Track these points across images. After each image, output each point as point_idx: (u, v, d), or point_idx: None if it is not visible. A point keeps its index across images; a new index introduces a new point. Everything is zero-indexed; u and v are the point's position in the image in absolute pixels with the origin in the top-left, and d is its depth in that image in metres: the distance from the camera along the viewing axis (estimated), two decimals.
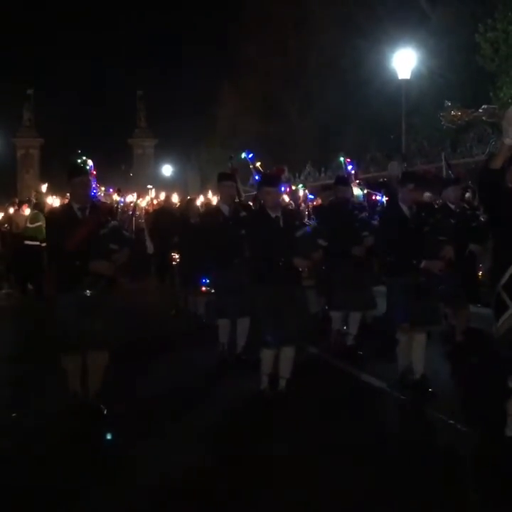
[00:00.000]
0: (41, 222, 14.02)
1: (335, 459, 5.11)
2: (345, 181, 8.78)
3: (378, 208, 9.08)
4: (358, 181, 9.35)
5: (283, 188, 7.81)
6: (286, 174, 8.94)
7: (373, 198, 9.27)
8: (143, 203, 19.01)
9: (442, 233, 6.71)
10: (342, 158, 9.90)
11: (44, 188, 18.55)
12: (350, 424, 5.84)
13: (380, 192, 9.50)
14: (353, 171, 9.60)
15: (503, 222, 4.99)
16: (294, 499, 4.47)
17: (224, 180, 8.18)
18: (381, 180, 12.37)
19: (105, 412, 6.05)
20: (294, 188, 10.66)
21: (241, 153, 8.72)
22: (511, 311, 4.81)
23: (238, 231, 7.26)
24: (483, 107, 4.89)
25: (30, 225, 14.47)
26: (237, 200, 8.31)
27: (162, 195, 20.66)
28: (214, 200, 19.05)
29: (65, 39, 36.67)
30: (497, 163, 4.73)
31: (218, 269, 8.10)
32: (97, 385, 6.15)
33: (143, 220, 15.90)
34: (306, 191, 12.76)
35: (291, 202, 8.74)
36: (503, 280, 4.84)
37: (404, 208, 6.65)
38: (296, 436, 5.57)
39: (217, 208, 8.52)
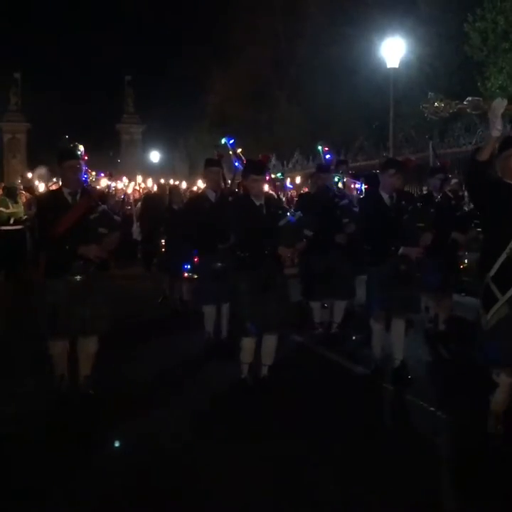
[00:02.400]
0: (2, 208, 13.92)
1: (317, 442, 5.18)
2: (325, 169, 8.80)
3: (357, 196, 9.03)
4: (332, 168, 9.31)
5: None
6: (272, 161, 8.90)
7: (352, 186, 9.21)
8: (129, 189, 18.97)
9: (421, 220, 6.73)
10: (320, 147, 9.80)
11: (30, 174, 18.50)
12: (332, 410, 5.88)
13: (358, 180, 9.44)
14: (330, 160, 9.53)
15: (490, 213, 5.00)
16: (280, 481, 4.54)
17: (210, 166, 8.16)
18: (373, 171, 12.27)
19: (92, 394, 6.08)
20: (273, 176, 10.60)
21: (221, 139, 8.60)
22: (501, 303, 4.82)
23: (223, 217, 7.25)
24: (468, 98, 4.88)
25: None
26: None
27: (149, 182, 20.62)
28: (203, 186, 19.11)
29: (52, 23, 36.42)
30: (484, 155, 4.76)
31: (203, 255, 8.09)
32: (87, 371, 6.16)
33: (130, 207, 15.88)
34: (286, 181, 12.76)
35: (271, 191, 8.69)
36: (492, 271, 4.85)
37: (385, 196, 6.64)
38: (280, 421, 5.62)
39: (203, 193, 8.52)
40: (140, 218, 14.49)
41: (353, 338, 8.33)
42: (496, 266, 4.83)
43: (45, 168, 16.60)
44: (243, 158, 8.03)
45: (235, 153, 8.21)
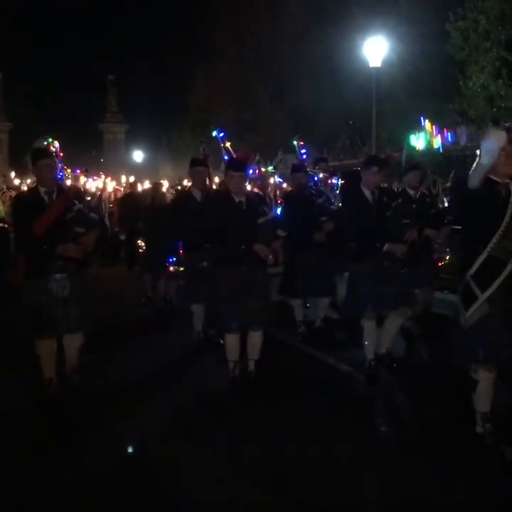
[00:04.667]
0: None
1: (303, 436, 5.24)
2: (299, 169, 8.77)
3: (334, 192, 9.02)
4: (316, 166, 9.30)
5: (252, 171, 7.76)
6: (257, 158, 8.87)
7: (329, 181, 9.18)
8: (108, 187, 18.82)
9: (405, 217, 6.75)
10: (295, 142, 9.74)
11: (12, 174, 18.41)
12: (319, 407, 5.92)
13: (335, 175, 9.40)
14: (305, 156, 9.48)
15: (472, 212, 4.98)
16: (268, 479, 4.58)
17: (196, 166, 8.16)
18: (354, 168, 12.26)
19: (79, 386, 6.14)
20: (263, 170, 10.55)
21: (213, 130, 8.55)
22: (480, 302, 4.83)
23: (208, 216, 7.21)
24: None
25: None
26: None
27: (131, 180, 20.47)
28: (186, 186, 19.02)
29: (34, 22, 36.20)
30: (475, 182, 4.77)
31: (189, 254, 8.08)
32: (73, 362, 6.22)
33: (111, 205, 15.80)
34: (276, 177, 12.69)
35: (258, 190, 8.69)
36: (473, 270, 4.87)
37: (367, 193, 6.63)
38: (267, 417, 5.66)
39: (189, 192, 8.51)
40: (120, 218, 14.44)
41: (338, 335, 8.34)
42: (477, 264, 4.85)
43: None
44: (232, 152, 8.02)
45: (224, 146, 8.18)
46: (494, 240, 4.77)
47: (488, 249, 4.80)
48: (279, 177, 12.91)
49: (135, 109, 39.35)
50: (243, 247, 6.16)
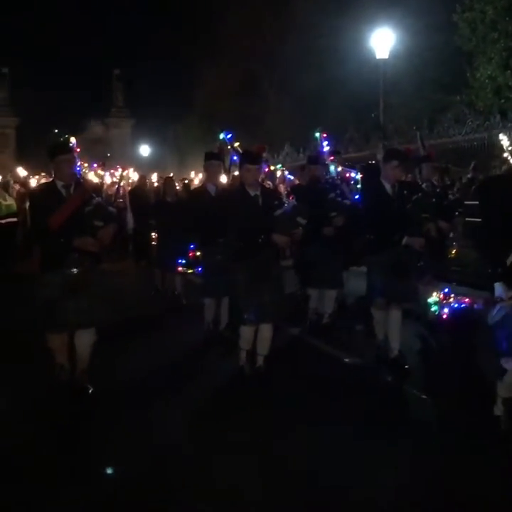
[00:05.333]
0: (0, 199, 13.98)
1: (312, 430, 5.23)
2: (315, 161, 8.78)
3: (352, 186, 9.00)
4: (331, 158, 9.26)
5: (264, 170, 7.74)
6: (265, 154, 8.81)
7: (347, 175, 9.16)
8: (122, 180, 18.81)
9: (425, 211, 6.74)
10: (318, 134, 9.73)
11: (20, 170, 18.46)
12: (327, 399, 5.92)
13: (354, 169, 9.40)
14: (328, 147, 9.46)
15: (500, 211, 4.96)
16: (278, 469, 4.58)
17: (211, 160, 8.15)
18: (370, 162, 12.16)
19: (90, 391, 6.06)
20: (272, 168, 10.53)
21: (219, 133, 8.53)
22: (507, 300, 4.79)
23: (223, 210, 7.20)
24: None
25: None
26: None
27: (134, 175, 20.40)
28: (195, 179, 19.01)
29: (40, 17, 36.13)
30: None
31: (203, 248, 8.11)
32: (84, 364, 6.16)
33: (122, 199, 15.80)
34: (285, 171, 12.65)
35: (269, 182, 8.65)
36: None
37: (387, 186, 6.63)
38: (277, 411, 5.67)
39: (203, 187, 8.49)
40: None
41: (357, 328, 8.31)
42: (508, 262, 4.79)
43: None
44: (241, 151, 7.99)
45: (232, 147, 8.15)
46: None
47: None
48: (290, 173, 12.87)
49: (141, 103, 39.26)
50: (261, 238, 6.17)
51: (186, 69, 34.35)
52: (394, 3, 22.50)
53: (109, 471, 4.70)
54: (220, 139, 8.51)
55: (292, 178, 12.77)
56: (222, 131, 8.37)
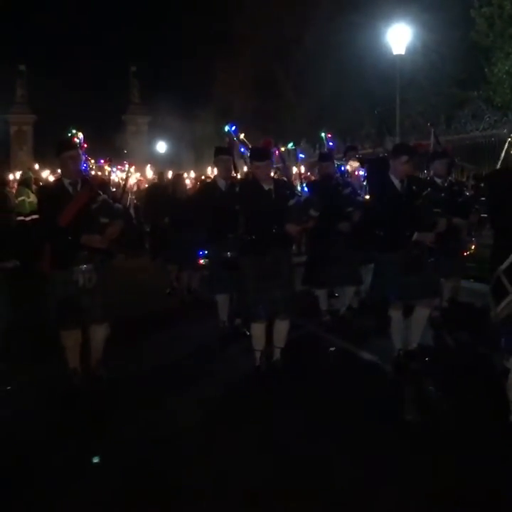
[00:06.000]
0: (24, 197, 14.13)
1: (328, 429, 5.23)
2: (327, 157, 8.78)
3: (360, 183, 8.95)
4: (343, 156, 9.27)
5: (275, 152, 7.67)
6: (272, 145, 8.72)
7: (356, 173, 9.13)
8: (131, 178, 18.80)
9: (435, 206, 6.69)
10: (323, 134, 9.72)
11: (36, 166, 18.59)
12: (343, 397, 5.91)
13: (362, 167, 9.34)
14: (333, 147, 9.47)
15: (506, 206, 4.90)
16: (292, 468, 4.57)
17: (221, 155, 8.15)
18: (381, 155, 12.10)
19: (105, 378, 6.17)
20: (283, 149, 10.40)
21: (224, 126, 8.44)
22: (511, 298, 4.76)
23: (234, 206, 7.11)
24: None
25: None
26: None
27: (149, 173, 20.40)
28: (211, 175, 19.01)
29: (57, 14, 36.27)
30: None
31: (214, 244, 8.09)
32: (98, 355, 6.26)
33: (133, 197, 15.81)
34: (298, 152, 12.51)
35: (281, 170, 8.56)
36: (505, 265, 4.79)
37: (396, 182, 6.56)
38: (291, 408, 5.68)
39: (213, 182, 8.50)
40: (145, 209, 14.43)
41: (363, 325, 8.31)
42: (510, 260, 4.78)
43: None
44: (247, 143, 7.96)
45: (238, 139, 8.13)
46: None
47: None
48: (300, 152, 12.74)
49: (158, 100, 39.31)
50: (275, 229, 6.17)
51: (203, 65, 34.33)
52: None
53: (120, 463, 4.72)
54: (225, 132, 8.48)
55: (304, 156, 12.73)
56: (227, 124, 8.34)
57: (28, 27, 35.02)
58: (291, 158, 11.56)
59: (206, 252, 9.36)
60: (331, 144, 9.49)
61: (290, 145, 10.38)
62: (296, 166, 9.91)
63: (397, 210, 6.39)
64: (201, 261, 9.89)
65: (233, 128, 8.16)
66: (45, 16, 35.58)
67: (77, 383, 6.18)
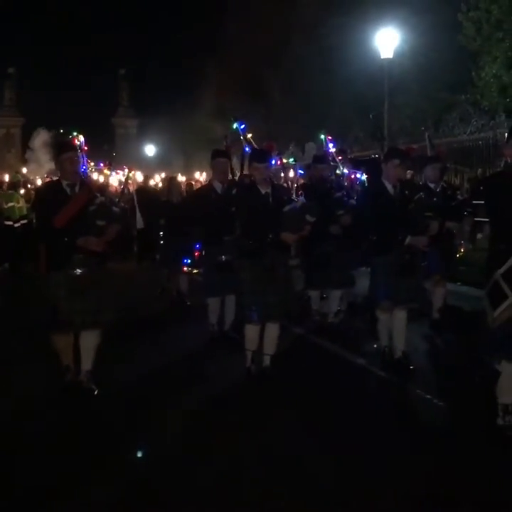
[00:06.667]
0: (14, 203, 14.15)
1: (318, 432, 5.26)
2: (321, 160, 8.79)
3: (357, 187, 9.02)
4: (339, 158, 9.29)
5: (274, 161, 7.66)
6: (276, 151, 8.71)
7: (353, 176, 9.19)
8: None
9: (427, 210, 6.74)
10: (323, 136, 9.74)
11: (25, 169, 18.57)
12: (334, 401, 5.94)
13: (359, 170, 9.42)
14: (333, 149, 9.47)
15: (503, 210, 4.89)
16: (283, 472, 4.58)
17: (218, 157, 8.12)
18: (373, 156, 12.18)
19: (96, 392, 6.11)
20: (285, 161, 10.41)
21: (232, 123, 8.33)
22: (510, 301, 4.75)
23: (230, 208, 7.03)
24: None
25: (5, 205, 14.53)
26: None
27: (139, 176, 20.38)
28: (200, 179, 19.02)
29: (45, 18, 36.23)
30: None
31: (208, 246, 8.08)
32: (88, 365, 6.17)
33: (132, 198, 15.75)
34: (297, 168, 12.56)
35: (281, 178, 8.60)
36: (503, 269, 4.78)
37: (388, 186, 6.60)
38: (282, 411, 5.69)
39: (210, 185, 8.48)
40: (132, 212, 14.38)
41: (363, 328, 8.32)
42: (508, 264, 4.77)
43: None
44: (253, 143, 7.91)
45: (245, 138, 8.07)
46: None
47: None
48: (300, 168, 12.81)
49: (147, 103, 39.42)
50: (270, 236, 6.20)
51: (192, 68, 34.40)
52: (398, 2, 22.46)
53: (110, 471, 4.69)
54: (232, 130, 8.41)
55: (303, 172, 12.78)
56: (235, 121, 8.25)
57: (16, 31, 34.91)
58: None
59: (190, 260, 9.38)
60: (330, 146, 9.47)
61: (291, 160, 10.42)
62: (296, 181, 9.92)
63: (390, 214, 6.43)
64: (185, 268, 9.91)
65: (242, 126, 8.11)
66: (33, 20, 35.55)
67: (70, 379, 6.15)
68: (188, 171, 25.98)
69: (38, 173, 23.14)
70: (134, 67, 40.78)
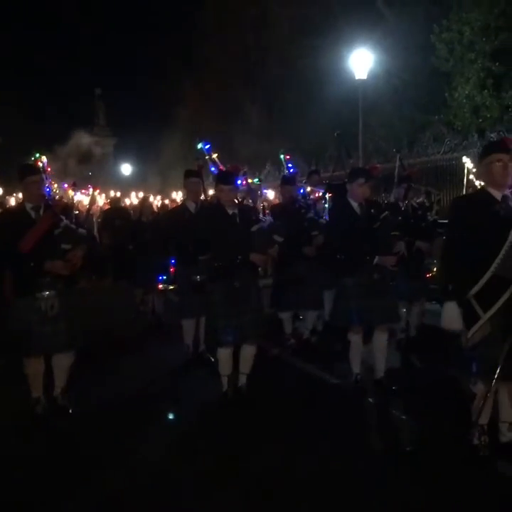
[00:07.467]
0: None
1: (294, 451, 5.26)
2: (290, 181, 8.80)
3: (322, 205, 8.96)
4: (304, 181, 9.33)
5: (240, 181, 7.64)
6: (244, 170, 8.66)
7: (316, 194, 9.15)
8: (100, 201, 18.61)
9: (393, 228, 6.75)
10: (282, 156, 9.63)
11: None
12: (308, 420, 5.96)
13: (321, 189, 9.33)
14: (292, 170, 9.44)
15: (475, 232, 4.85)
16: (260, 495, 4.57)
17: (190, 178, 8.11)
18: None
19: (70, 411, 6.08)
20: (250, 181, 10.41)
21: (197, 143, 8.23)
22: (483, 322, 4.75)
23: (203, 228, 7.11)
24: None
25: None
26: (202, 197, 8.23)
27: (111, 195, 20.27)
28: (177, 198, 18.98)
29: (21, 36, 36.18)
30: None
31: (182, 267, 8.05)
32: (62, 382, 6.17)
33: (99, 219, 15.63)
34: (262, 188, 12.58)
35: (249, 200, 8.60)
36: (475, 289, 4.77)
37: (355, 205, 6.59)
38: (260, 434, 5.68)
39: (183, 205, 8.46)
40: (100, 231, 14.28)
41: (337, 348, 8.29)
42: (480, 284, 4.76)
43: None
44: (219, 163, 7.88)
45: (210, 158, 8.06)
46: (498, 259, 4.69)
47: (492, 269, 4.71)
48: (264, 188, 12.82)
49: (123, 122, 39.36)
50: (239, 258, 6.17)
51: (168, 88, 34.42)
52: (372, 24, 22.74)
53: (84, 494, 4.65)
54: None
55: (267, 192, 12.77)
56: (200, 141, 8.20)
57: None
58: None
59: (165, 277, 9.31)
60: (289, 166, 9.46)
61: (256, 180, 10.39)
62: (261, 201, 9.89)
63: (357, 232, 6.43)
64: (160, 286, 9.85)
65: (207, 146, 8.08)
66: (8, 36, 35.42)
67: (40, 412, 6.09)
68: (164, 190, 25.89)
69: None
70: (110, 87, 40.84)
